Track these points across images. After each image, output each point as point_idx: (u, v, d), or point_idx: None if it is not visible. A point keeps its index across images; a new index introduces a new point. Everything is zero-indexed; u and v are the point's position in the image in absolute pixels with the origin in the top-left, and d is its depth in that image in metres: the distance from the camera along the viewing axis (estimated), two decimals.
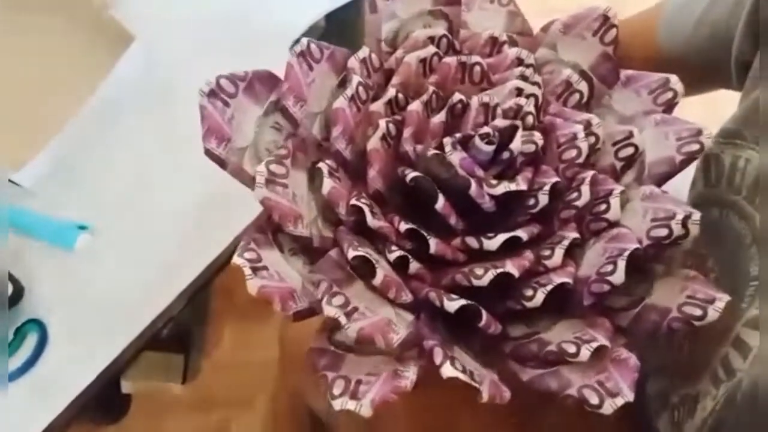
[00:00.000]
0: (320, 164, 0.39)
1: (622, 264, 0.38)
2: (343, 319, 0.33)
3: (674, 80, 0.48)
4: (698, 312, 0.38)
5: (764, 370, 0.38)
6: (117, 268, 0.63)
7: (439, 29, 0.45)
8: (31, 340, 0.60)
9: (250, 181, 0.39)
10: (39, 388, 0.59)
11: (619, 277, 0.38)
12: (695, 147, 0.44)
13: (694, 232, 0.39)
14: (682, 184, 0.42)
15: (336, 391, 0.33)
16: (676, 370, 0.49)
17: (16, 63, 0.70)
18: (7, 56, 0.70)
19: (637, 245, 0.38)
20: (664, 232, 0.39)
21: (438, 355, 0.34)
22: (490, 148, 0.40)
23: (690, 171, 0.50)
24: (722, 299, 0.38)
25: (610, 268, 0.38)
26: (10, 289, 0.60)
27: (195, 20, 0.73)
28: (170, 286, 0.63)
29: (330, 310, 0.33)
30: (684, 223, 0.39)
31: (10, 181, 0.63)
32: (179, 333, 0.70)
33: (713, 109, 0.55)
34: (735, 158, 0.48)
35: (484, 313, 0.36)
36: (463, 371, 0.34)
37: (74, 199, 0.66)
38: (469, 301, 0.35)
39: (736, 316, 0.44)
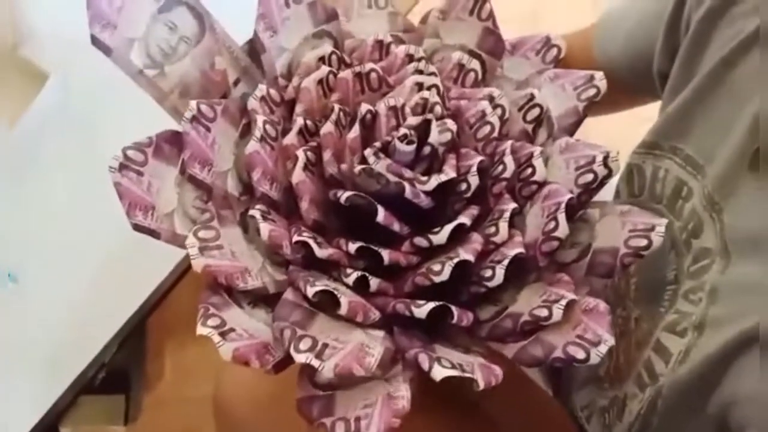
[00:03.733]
0: (251, 211, 0.37)
1: (562, 217, 0.37)
2: (315, 362, 0.30)
3: (554, 37, 0.48)
4: (644, 242, 0.37)
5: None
6: (45, 314, 0.59)
7: (327, 47, 0.43)
8: None
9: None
10: None
11: (563, 230, 0.37)
12: (592, 92, 0.44)
13: (616, 170, 0.39)
14: (605, 194, 0.42)
15: None
16: (604, 374, 0.51)
17: None
18: None
19: (571, 195, 0.38)
20: (590, 177, 0.39)
21: (424, 361, 0.32)
22: (411, 148, 0.39)
23: (613, 182, 0.52)
24: (661, 223, 0.38)
25: (552, 224, 0.37)
26: None
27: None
28: (101, 331, 0.59)
29: (300, 357, 0.31)
30: (605, 163, 0.39)
31: None
32: (118, 374, 0.65)
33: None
34: (655, 168, 0.49)
35: (455, 310, 0.34)
36: (453, 367, 0.32)
37: None
38: (437, 303, 0.34)
39: (656, 322, 0.45)
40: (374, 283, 0.36)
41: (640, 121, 0.54)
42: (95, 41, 0.39)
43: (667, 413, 0.42)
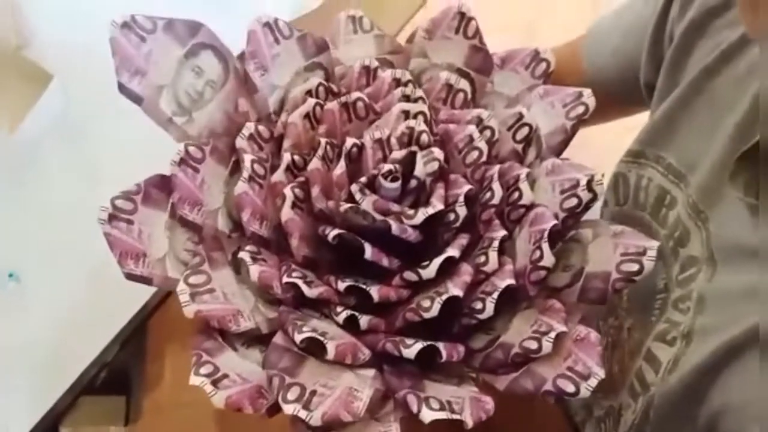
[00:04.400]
0: (241, 254, 0.37)
1: (545, 246, 0.37)
2: (303, 414, 0.31)
3: (543, 50, 0.47)
4: (635, 267, 0.37)
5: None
6: (47, 315, 0.58)
7: (314, 80, 0.43)
8: None
9: None
10: None
11: (548, 260, 0.37)
12: (581, 109, 0.43)
13: (601, 192, 0.39)
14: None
15: None
16: (598, 384, 0.50)
17: None
18: None
19: (554, 222, 0.38)
20: (574, 201, 0.39)
21: (413, 404, 0.32)
22: (396, 184, 0.38)
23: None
24: (652, 246, 0.37)
25: (538, 254, 0.37)
26: None
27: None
28: (103, 330, 0.59)
29: (288, 408, 0.31)
30: (589, 187, 0.38)
31: None
32: (118, 375, 0.65)
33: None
34: (639, 177, 0.49)
35: (443, 349, 0.34)
36: (441, 408, 0.32)
37: None
38: (426, 343, 0.34)
39: (647, 331, 0.45)
40: (364, 321, 0.36)
41: (627, 129, 0.54)
42: (123, 90, 0.38)
43: (659, 423, 0.42)
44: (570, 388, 0.34)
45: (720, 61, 0.43)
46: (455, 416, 0.32)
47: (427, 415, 0.32)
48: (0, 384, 0.57)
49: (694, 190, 0.44)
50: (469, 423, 0.32)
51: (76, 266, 0.61)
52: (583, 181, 0.38)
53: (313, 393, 0.32)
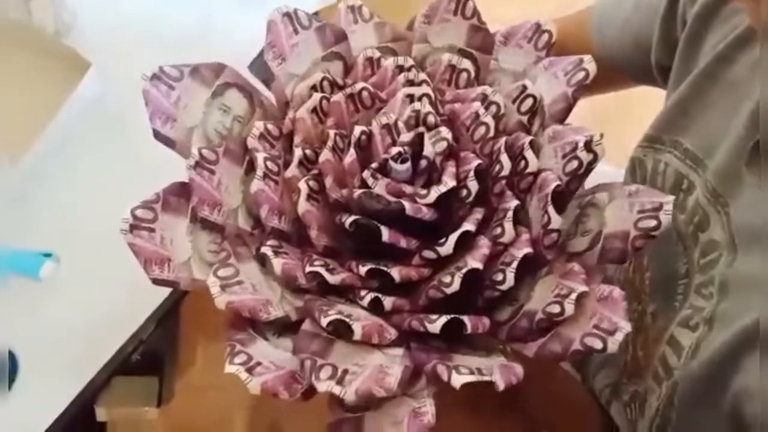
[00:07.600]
0: (263, 249, 0.39)
1: (551, 209, 0.38)
2: (337, 389, 0.32)
3: (544, 23, 0.48)
4: (653, 222, 0.37)
5: None
6: (84, 295, 0.61)
7: (318, 75, 0.45)
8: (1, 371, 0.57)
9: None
10: (11, 419, 0.57)
11: (556, 221, 0.38)
12: (581, 75, 0.44)
13: (601, 153, 0.39)
14: None
15: None
16: (623, 368, 0.51)
17: None
18: None
19: (558, 183, 0.38)
20: (575, 164, 0.39)
21: (443, 372, 0.33)
22: (406, 165, 0.40)
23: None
24: (668, 201, 0.38)
25: (546, 218, 0.38)
26: None
27: (152, 45, 0.69)
28: (138, 310, 0.61)
29: (321, 386, 0.32)
30: (588, 148, 0.39)
31: None
32: (151, 356, 0.68)
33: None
34: (656, 162, 0.50)
35: (467, 321, 0.35)
36: (471, 373, 0.33)
37: (37, 227, 0.63)
38: (450, 316, 0.35)
39: (670, 317, 0.45)
40: (388, 302, 0.37)
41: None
42: (157, 135, 0.42)
43: (683, 408, 0.42)
44: (597, 344, 0.34)
45: (733, 48, 0.43)
46: (485, 379, 0.33)
47: (458, 380, 0.33)
48: (37, 361, 0.59)
49: (712, 175, 0.44)
50: (501, 385, 0.33)
51: (112, 247, 0.63)
52: (582, 143, 0.39)
53: (345, 371, 0.33)
